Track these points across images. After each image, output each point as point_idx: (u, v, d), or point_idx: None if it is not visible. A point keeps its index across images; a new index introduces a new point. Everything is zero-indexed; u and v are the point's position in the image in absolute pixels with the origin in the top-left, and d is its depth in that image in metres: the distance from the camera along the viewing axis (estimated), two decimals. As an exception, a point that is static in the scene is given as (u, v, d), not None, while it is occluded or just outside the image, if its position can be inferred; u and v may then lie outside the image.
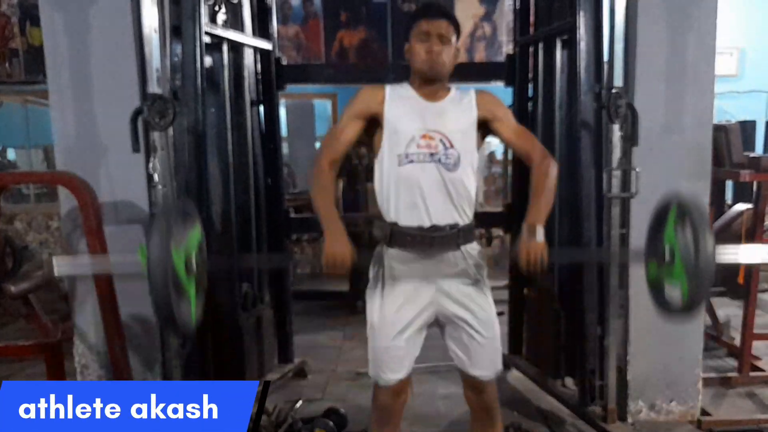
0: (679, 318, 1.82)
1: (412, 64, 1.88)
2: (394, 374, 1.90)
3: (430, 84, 1.87)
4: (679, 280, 1.74)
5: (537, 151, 1.92)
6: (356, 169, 4.99)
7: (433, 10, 1.85)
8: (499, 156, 6.62)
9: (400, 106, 1.86)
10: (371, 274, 1.97)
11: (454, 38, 1.85)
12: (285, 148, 6.22)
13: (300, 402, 3.19)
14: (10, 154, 7.36)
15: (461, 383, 2.04)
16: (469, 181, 1.86)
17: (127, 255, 2.10)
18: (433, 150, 1.81)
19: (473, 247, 1.91)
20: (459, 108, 1.89)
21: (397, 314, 1.88)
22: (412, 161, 1.81)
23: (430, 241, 1.82)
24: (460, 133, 1.84)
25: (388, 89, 1.88)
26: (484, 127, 1.92)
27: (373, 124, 1.88)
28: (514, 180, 3.60)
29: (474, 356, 1.91)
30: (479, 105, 1.90)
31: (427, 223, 1.82)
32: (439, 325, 1.95)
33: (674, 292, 1.77)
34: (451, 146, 1.82)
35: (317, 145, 7.07)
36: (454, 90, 1.93)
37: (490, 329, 1.92)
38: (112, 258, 1.85)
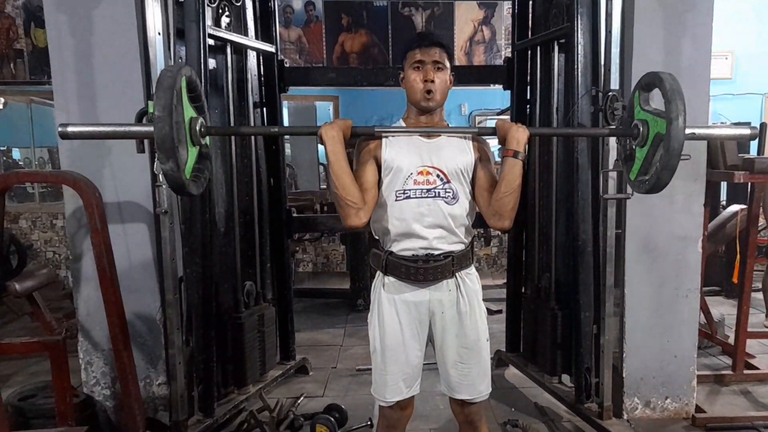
0: (652, 191, 1.84)
1: (408, 95, 1.90)
2: (397, 396, 1.93)
3: (426, 114, 1.89)
4: (654, 147, 1.79)
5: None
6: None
7: (425, 39, 1.87)
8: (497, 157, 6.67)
9: (397, 147, 1.86)
10: (371, 301, 1.98)
11: (447, 64, 1.87)
12: (287, 149, 6.27)
13: (301, 398, 3.24)
14: (15, 153, 7.41)
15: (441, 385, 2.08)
16: (467, 212, 1.88)
17: (135, 125, 2.11)
18: (431, 185, 1.82)
19: (468, 272, 1.93)
20: (457, 146, 1.88)
21: (397, 342, 1.89)
22: (409, 197, 1.83)
23: (424, 271, 1.84)
24: (457, 169, 1.85)
25: (384, 139, 1.88)
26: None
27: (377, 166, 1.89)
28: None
29: (461, 382, 1.93)
30: (476, 148, 1.91)
31: (421, 253, 1.84)
32: (431, 342, 1.98)
33: (650, 169, 1.81)
34: (449, 181, 1.84)
35: (319, 146, 7.08)
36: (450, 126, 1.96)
37: (476, 356, 1.92)
38: (119, 126, 1.85)
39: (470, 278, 1.93)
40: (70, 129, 1.83)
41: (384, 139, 1.87)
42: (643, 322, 2.88)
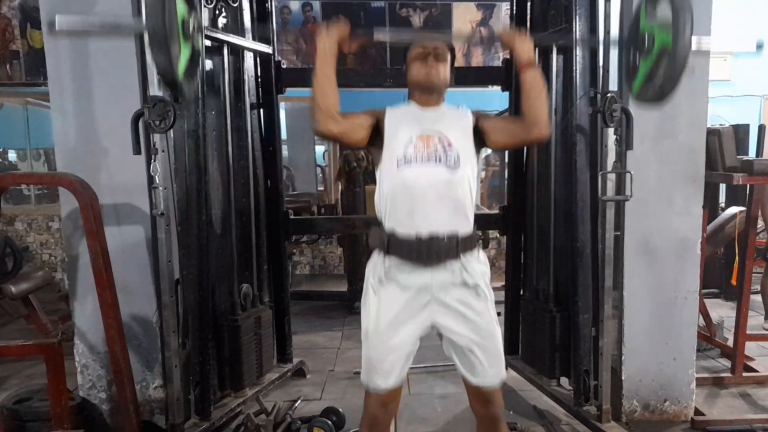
0: (657, 103, 1.87)
1: (409, 81, 1.92)
2: (385, 382, 1.86)
3: (428, 94, 1.90)
4: (659, 59, 1.79)
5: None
6: (355, 172, 5.02)
7: (428, 37, 1.92)
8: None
9: (399, 116, 1.90)
10: (367, 280, 1.93)
11: (449, 57, 1.90)
12: (284, 151, 6.26)
13: (299, 401, 3.23)
14: (11, 155, 7.38)
15: (458, 383, 2.05)
16: (470, 182, 1.85)
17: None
18: (432, 150, 1.81)
19: (474, 255, 1.88)
20: (456, 114, 1.93)
21: (392, 324, 1.83)
22: (410, 162, 1.80)
23: (428, 252, 1.79)
24: (458, 133, 1.86)
25: (388, 108, 1.92)
26: (479, 138, 1.92)
27: (376, 137, 1.90)
28: (510, 183, 3.64)
29: (476, 367, 1.86)
30: (474, 115, 1.94)
31: (425, 233, 1.79)
32: (438, 334, 1.92)
33: (656, 79, 1.83)
34: (450, 145, 1.83)
35: (316, 147, 7.10)
36: (452, 105, 1.97)
37: (490, 339, 1.86)
38: (110, 20, 1.86)
39: (476, 259, 1.88)
40: (59, 21, 1.80)
41: (387, 111, 1.90)
42: (642, 325, 2.87)
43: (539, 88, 1.82)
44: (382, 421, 1.95)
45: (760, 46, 2.02)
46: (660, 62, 1.78)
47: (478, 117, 1.94)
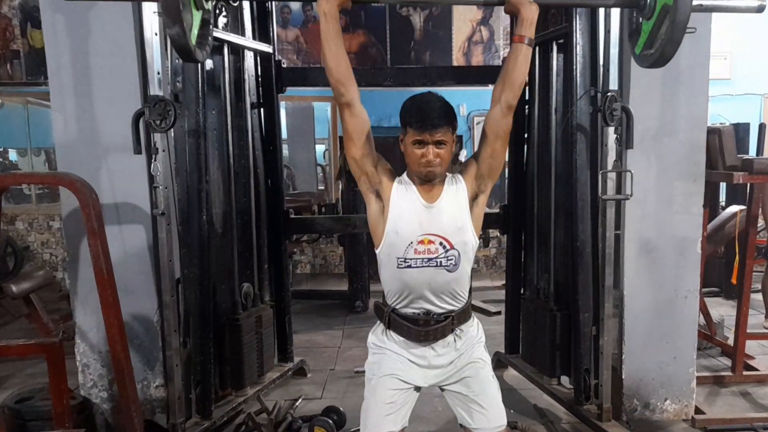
0: (656, 65, 1.89)
1: (408, 163, 1.86)
2: (387, 427, 1.89)
3: (429, 183, 1.86)
4: (660, 19, 1.83)
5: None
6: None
7: (428, 121, 1.77)
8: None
9: (402, 203, 1.84)
10: (370, 346, 1.99)
11: (450, 138, 1.82)
12: (285, 150, 6.26)
13: (300, 400, 3.23)
14: (12, 155, 7.39)
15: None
16: (467, 274, 1.90)
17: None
18: (433, 255, 1.82)
19: (468, 324, 1.94)
20: (454, 199, 1.86)
21: (391, 396, 1.89)
22: (410, 266, 1.83)
23: (425, 333, 1.86)
24: (458, 228, 1.84)
25: (395, 182, 1.87)
26: (477, 186, 1.90)
27: (378, 199, 1.87)
28: (510, 182, 3.64)
29: (476, 418, 1.92)
30: (466, 180, 1.89)
31: (422, 314, 1.86)
32: (439, 388, 1.99)
33: (655, 43, 1.87)
34: (452, 247, 1.83)
35: (317, 147, 7.10)
36: (448, 180, 1.89)
37: (488, 394, 1.92)
38: None
39: (470, 329, 1.95)
40: None
41: (394, 185, 1.86)
42: (643, 324, 2.87)
43: (525, 64, 1.83)
44: None
45: (761, 9, 2.02)
46: (662, 22, 1.81)
47: (466, 169, 1.91)
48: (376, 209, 1.87)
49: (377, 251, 1.89)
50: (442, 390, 1.98)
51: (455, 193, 1.87)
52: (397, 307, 1.89)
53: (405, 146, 1.84)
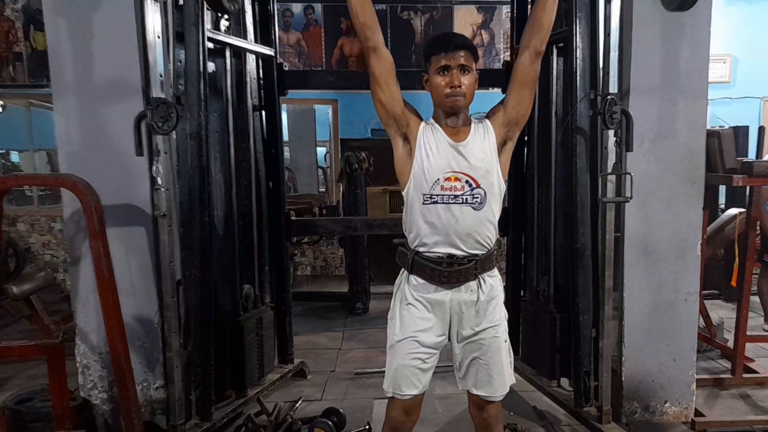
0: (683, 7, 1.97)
1: (433, 98, 1.90)
2: (410, 389, 1.94)
3: (454, 116, 1.89)
4: None
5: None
6: (356, 174, 5.03)
7: (451, 43, 1.85)
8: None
9: (429, 142, 1.88)
10: (394, 296, 2.01)
11: (474, 65, 1.87)
12: (286, 152, 6.27)
13: (300, 402, 3.23)
14: (14, 157, 7.40)
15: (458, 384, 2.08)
16: (494, 216, 1.90)
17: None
18: (459, 191, 1.84)
19: (491, 274, 1.96)
20: (483, 142, 1.89)
21: (416, 337, 1.93)
22: (435, 202, 1.85)
23: (448, 274, 1.88)
24: (485, 170, 1.87)
25: (422, 124, 1.91)
26: (505, 133, 1.94)
27: (405, 141, 1.91)
28: (510, 184, 3.64)
29: (480, 384, 1.96)
30: (494, 126, 1.93)
31: (446, 255, 1.88)
32: (449, 340, 2.00)
33: None
34: (478, 186, 1.85)
35: (318, 149, 7.12)
36: (474, 123, 1.94)
37: (496, 353, 1.96)
38: None
39: (492, 280, 1.97)
40: None
41: (421, 127, 1.90)
42: (642, 326, 2.88)
43: (553, 7, 1.92)
44: (405, 428, 2.02)
45: None
46: None
47: (494, 116, 1.95)
48: (403, 152, 1.91)
49: (404, 192, 1.92)
50: (450, 343, 1.99)
51: (484, 136, 1.91)
52: (420, 249, 1.90)
53: (430, 81, 1.89)
